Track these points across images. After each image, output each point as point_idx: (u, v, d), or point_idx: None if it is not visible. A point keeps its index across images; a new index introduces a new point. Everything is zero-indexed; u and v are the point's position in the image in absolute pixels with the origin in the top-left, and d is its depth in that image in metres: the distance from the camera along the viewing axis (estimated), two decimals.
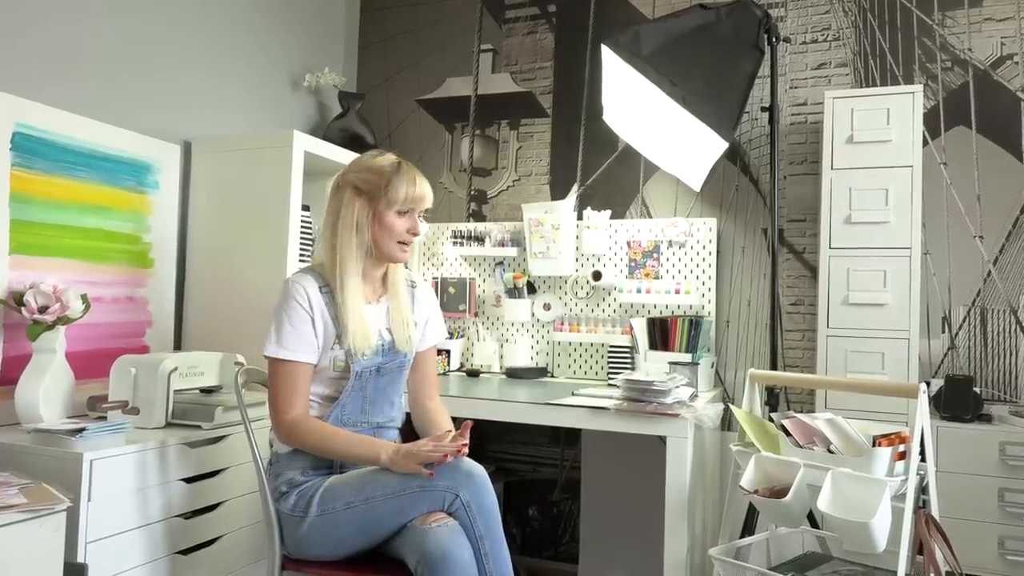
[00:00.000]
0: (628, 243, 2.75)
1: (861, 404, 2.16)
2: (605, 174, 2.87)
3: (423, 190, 1.69)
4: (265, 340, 1.62)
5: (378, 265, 1.73)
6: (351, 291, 1.64)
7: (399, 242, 1.68)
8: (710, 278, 2.64)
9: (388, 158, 1.70)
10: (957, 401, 2.16)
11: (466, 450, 1.53)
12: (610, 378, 2.51)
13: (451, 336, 2.88)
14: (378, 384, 1.69)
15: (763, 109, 2.29)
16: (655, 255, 2.71)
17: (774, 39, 2.19)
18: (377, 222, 1.66)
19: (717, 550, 1.78)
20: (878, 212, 2.25)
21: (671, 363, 2.29)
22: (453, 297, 2.92)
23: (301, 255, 2.34)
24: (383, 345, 1.69)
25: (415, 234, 1.70)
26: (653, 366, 2.40)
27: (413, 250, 2.98)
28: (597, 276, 2.69)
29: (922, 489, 1.60)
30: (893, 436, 1.58)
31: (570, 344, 2.81)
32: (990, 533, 2.06)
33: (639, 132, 2.36)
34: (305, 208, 2.38)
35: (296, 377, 1.61)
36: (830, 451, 1.63)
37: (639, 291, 2.65)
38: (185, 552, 1.79)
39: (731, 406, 2.00)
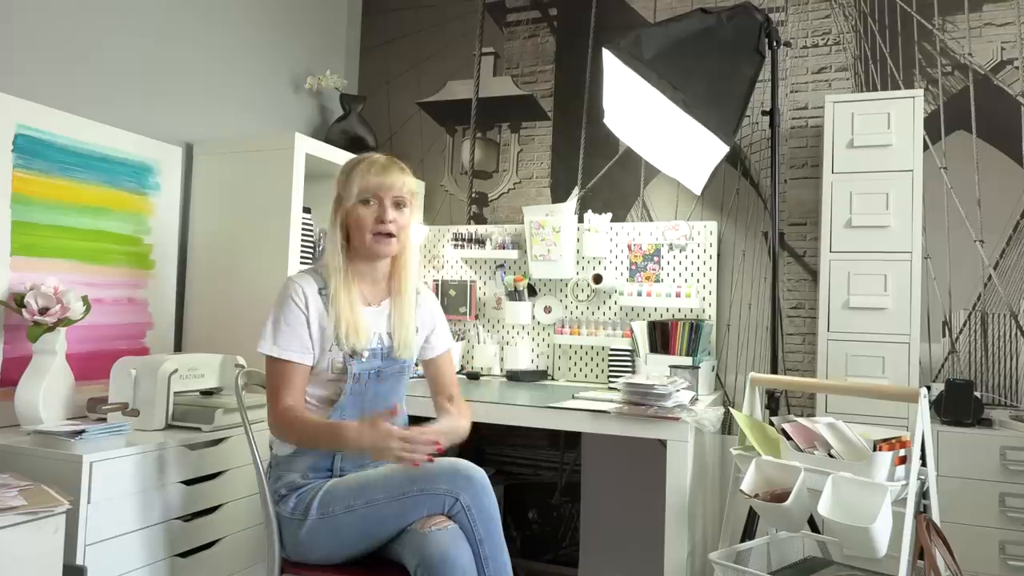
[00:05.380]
0: (629, 246, 2.75)
1: (862, 408, 2.16)
2: (606, 177, 2.87)
3: (381, 177, 1.64)
4: (260, 337, 1.62)
5: (373, 265, 1.71)
6: (341, 290, 1.64)
7: (374, 234, 1.64)
8: (711, 281, 2.64)
9: (360, 156, 1.72)
10: (958, 405, 2.16)
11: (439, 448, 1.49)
12: (611, 381, 2.51)
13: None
14: (378, 390, 1.69)
15: (764, 113, 2.29)
16: (656, 258, 2.71)
17: (775, 43, 2.20)
18: (350, 219, 1.66)
19: (717, 554, 1.78)
20: (879, 216, 2.25)
21: (672, 366, 2.29)
22: (454, 299, 2.92)
23: (302, 257, 2.34)
24: (382, 349, 1.69)
25: (382, 222, 1.63)
26: (654, 369, 2.40)
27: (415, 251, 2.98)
28: (598, 279, 2.69)
29: (923, 494, 1.60)
30: (894, 440, 1.58)
31: (571, 347, 2.81)
32: (991, 538, 2.06)
33: (640, 135, 2.36)
34: (306, 210, 2.38)
35: (289, 375, 1.61)
36: (831, 455, 1.63)
37: (640, 294, 2.64)
38: (184, 555, 1.78)
39: (732, 410, 2.00)
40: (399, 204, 1.67)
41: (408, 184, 1.68)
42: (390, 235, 1.65)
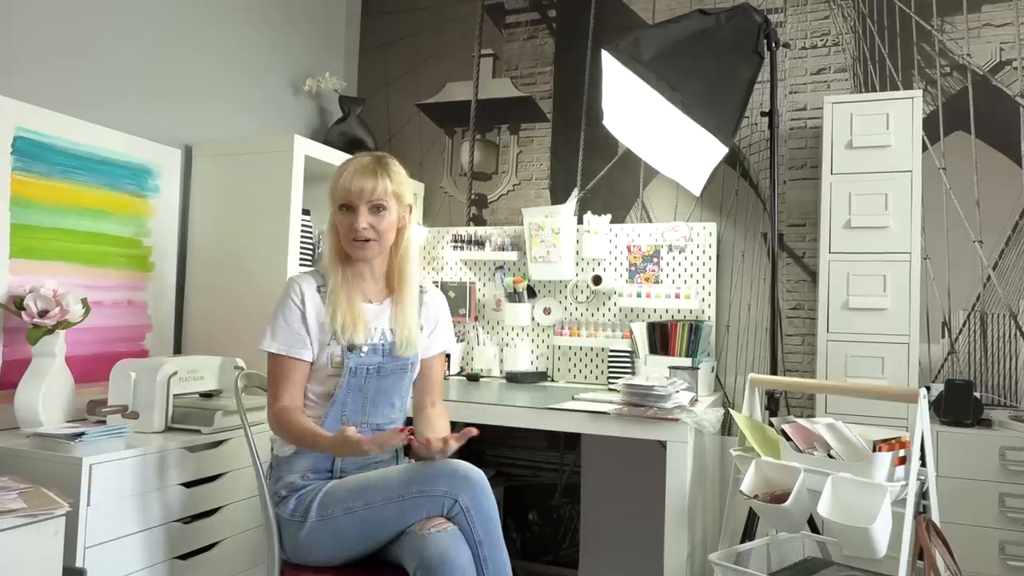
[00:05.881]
0: (628, 247, 2.75)
1: (861, 409, 2.16)
2: (605, 178, 2.87)
3: (352, 184, 1.63)
4: (262, 336, 1.66)
5: (368, 264, 1.72)
6: (340, 286, 1.67)
7: (352, 239, 1.65)
8: (710, 282, 2.64)
9: (348, 159, 1.73)
10: (957, 406, 2.16)
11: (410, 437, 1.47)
12: (610, 382, 2.51)
13: None
14: (380, 386, 1.69)
15: (763, 114, 2.29)
16: (655, 259, 2.71)
17: (774, 44, 2.20)
18: (336, 223, 1.69)
19: (717, 555, 1.78)
20: (878, 217, 2.25)
21: (671, 367, 2.29)
22: (453, 301, 2.92)
23: (301, 259, 2.34)
24: (383, 345, 1.69)
25: (354, 229, 1.63)
26: (653, 370, 2.40)
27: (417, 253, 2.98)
28: (597, 280, 2.69)
29: (922, 494, 1.60)
30: (893, 441, 1.58)
31: (570, 348, 2.81)
32: (991, 538, 2.06)
33: (639, 137, 2.36)
34: (305, 212, 2.38)
35: (287, 371, 1.63)
36: (830, 456, 1.63)
37: (639, 295, 2.65)
38: (184, 557, 1.78)
39: (731, 411, 2.00)
40: (377, 208, 1.65)
41: (385, 187, 1.65)
42: (366, 240, 1.65)
